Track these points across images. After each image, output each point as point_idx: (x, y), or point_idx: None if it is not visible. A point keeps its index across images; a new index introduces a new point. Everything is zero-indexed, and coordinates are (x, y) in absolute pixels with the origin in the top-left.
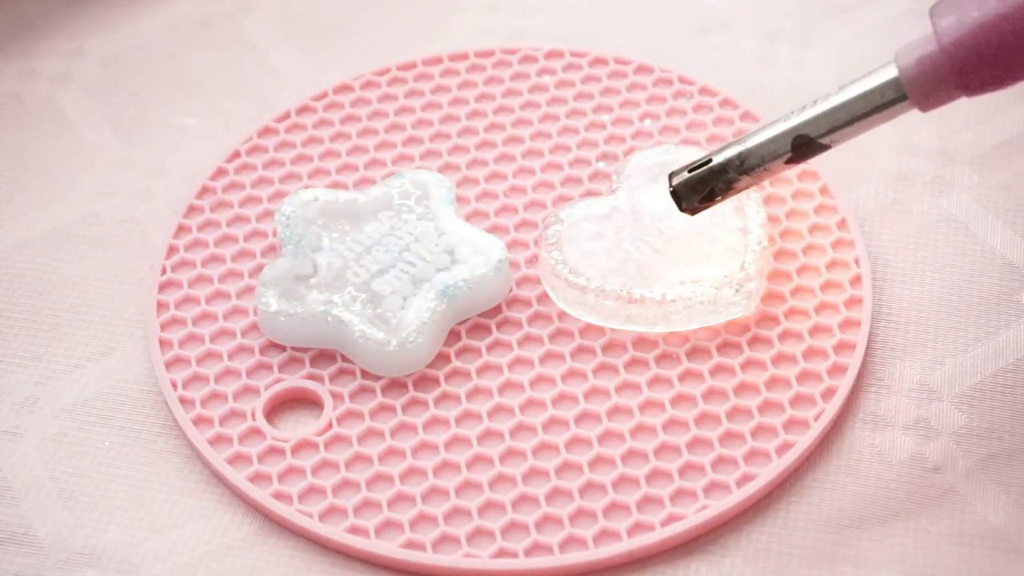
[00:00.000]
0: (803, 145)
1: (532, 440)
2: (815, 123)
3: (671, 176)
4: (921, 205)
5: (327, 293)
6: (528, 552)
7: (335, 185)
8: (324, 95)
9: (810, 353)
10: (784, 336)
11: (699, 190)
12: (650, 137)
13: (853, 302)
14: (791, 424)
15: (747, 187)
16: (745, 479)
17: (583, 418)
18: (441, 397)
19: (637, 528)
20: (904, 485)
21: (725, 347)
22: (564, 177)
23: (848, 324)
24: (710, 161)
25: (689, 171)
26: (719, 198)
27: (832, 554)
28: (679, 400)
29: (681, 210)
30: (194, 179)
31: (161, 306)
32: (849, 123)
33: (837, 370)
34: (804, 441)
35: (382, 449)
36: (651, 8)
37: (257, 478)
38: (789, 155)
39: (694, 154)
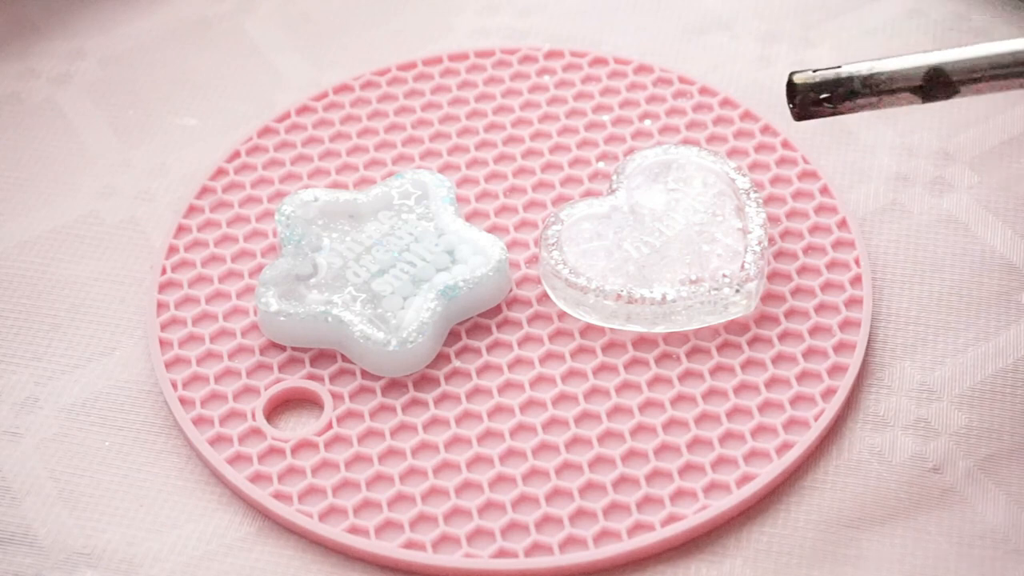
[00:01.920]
0: (935, 80)
1: (532, 440)
2: (956, 63)
3: (792, 74)
4: (921, 205)
5: (327, 293)
6: (528, 552)
7: (335, 185)
8: (324, 95)
9: (810, 353)
10: (784, 336)
11: (818, 91)
12: (650, 137)
13: (853, 302)
14: (791, 424)
15: (862, 109)
16: (745, 479)
17: (583, 418)
18: (441, 397)
19: (637, 528)
20: (904, 485)
21: (725, 347)
22: (564, 177)
23: (848, 324)
24: (839, 67)
25: (814, 71)
26: (831, 108)
27: (832, 554)
28: (679, 400)
29: (791, 105)
30: (194, 179)
31: (161, 306)
32: (989, 73)
33: (837, 370)
34: (804, 441)
35: (382, 449)
36: (651, 8)
37: (257, 478)
38: (919, 85)
39: (694, 154)
